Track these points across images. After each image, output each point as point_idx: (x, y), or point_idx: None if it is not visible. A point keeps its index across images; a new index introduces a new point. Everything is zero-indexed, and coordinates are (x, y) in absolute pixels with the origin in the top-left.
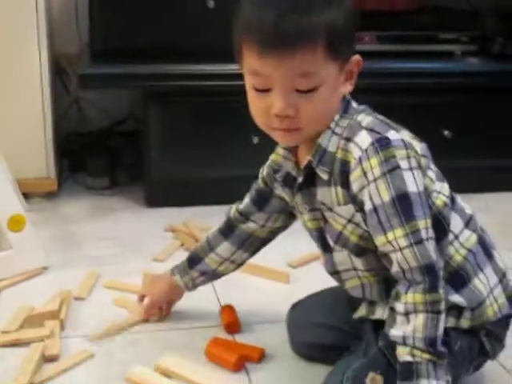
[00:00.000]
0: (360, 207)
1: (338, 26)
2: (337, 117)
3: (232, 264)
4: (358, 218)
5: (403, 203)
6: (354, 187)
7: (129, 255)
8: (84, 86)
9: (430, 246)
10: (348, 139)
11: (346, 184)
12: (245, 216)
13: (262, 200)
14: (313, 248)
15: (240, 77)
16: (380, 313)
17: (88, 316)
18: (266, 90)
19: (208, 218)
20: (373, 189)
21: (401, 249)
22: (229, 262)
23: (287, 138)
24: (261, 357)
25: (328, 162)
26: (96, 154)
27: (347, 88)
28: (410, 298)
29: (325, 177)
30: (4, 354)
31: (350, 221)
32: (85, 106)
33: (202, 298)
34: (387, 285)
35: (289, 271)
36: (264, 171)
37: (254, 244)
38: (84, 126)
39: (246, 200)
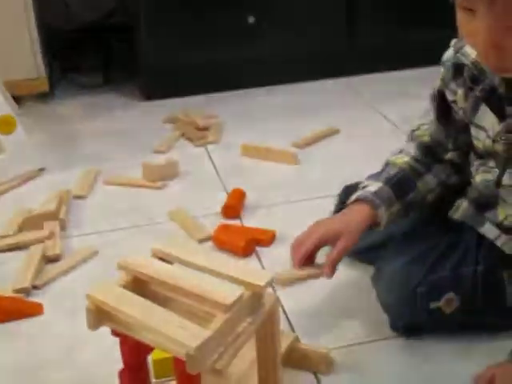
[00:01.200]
0: None
1: None
2: None
3: (438, 190)
4: None
5: None
6: None
7: (128, 150)
8: None
9: None
10: None
11: None
12: (439, 142)
13: (444, 112)
14: (317, 127)
15: None
16: (503, 240)
17: (90, 213)
18: (470, 9)
19: (207, 107)
20: None
21: None
22: (441, 186)
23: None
24: (272, 240)
25: None
26: (87, 51)
27: None
28: None
29: None
30: (4, 258)
31: None
32: (70, 1)
33: (207, 185)
34: None
35: (296, 152)
36: (444, 70)
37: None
38: (72, 21)
39: (431, 117)
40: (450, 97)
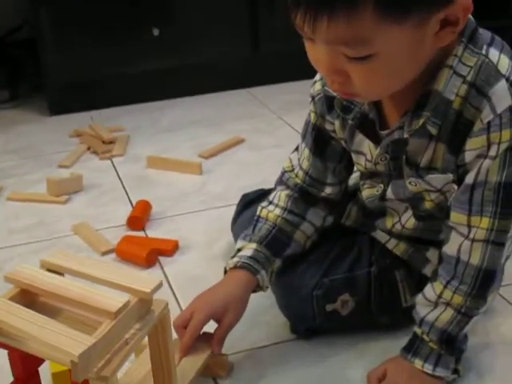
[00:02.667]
0: (460, 179)
1: None
2: (459, 49)
3: (315, 236)
4: (450, 187)
5: (508, 194)
6: (467, 156)
7: (33, 166)
8: None
9: (507, 247)
10: (477, 89)
11: (455, 147)
12: (315, 179)
13: (320, 146)
14: (223, 138)
15: None
16: (393, 244)
17: None
18: (311, 38)
19: (113, 120)
20: (485, 164)
21: (474, 240)
22: (317, 232)
23: (358, 99)
24: (174, 249)
25: (440, 113)
26: None
27: (447, 38)
28: (448, 295)
29: (433, 131)
30: None
31: (439, 190)
32: None
33: (112, 198)
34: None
35: (200, 162)
36: (316, 105)
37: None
38: None
39: (305, 153)
40: (329, 127)
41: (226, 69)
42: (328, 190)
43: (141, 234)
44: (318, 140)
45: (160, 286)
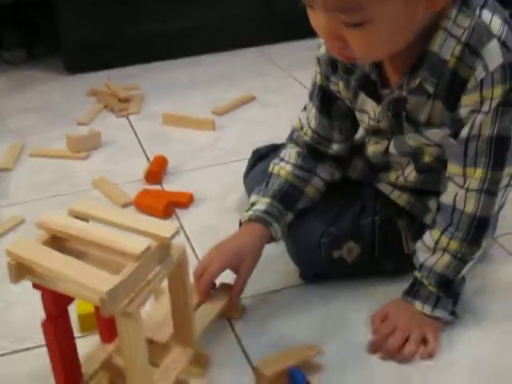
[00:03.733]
0: (456, 133)
1: None
2: (453, 12)
3: (324, 189)
4: (448, 141)
5: (499, 146)
6: (462, 112)
7: (52, 123)
8: None
9: (500, 197)
10: (471, 48)
11: (451, 103)
12: (323, 136)
13: (327, 105)
14: (235, 95)
15: None
16: (396, 195)
17: (16, 184)
18: (311, 6)
19: (129, 79)
20: (478, 119)
21: (468, 189)
22: (326, 185)
23: (358, 62)
24: (190, 201)
25: (436, 72)
26: (10, 27)
27: (439, 4)
28: (444, 241)
29: (430, 89)
30: None
31: (436, 144)
32: None
33: (129, 154)
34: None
35: (214, 119)
36: (321, 66)
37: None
38: None
39: (312, 112)
40: (334, 88)
41: (239, 27)
42: (335, 147)
43: (157, 187)
44: (324, 100)
45: (178, 231)
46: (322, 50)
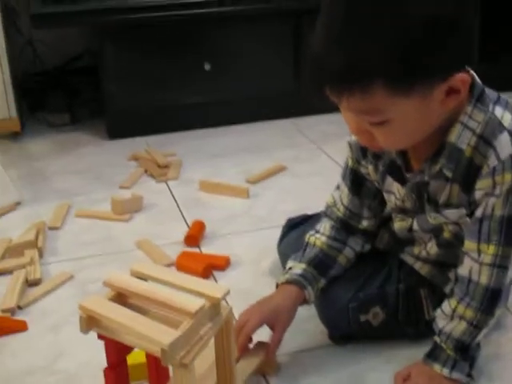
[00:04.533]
0: (472, 212)
1: (402, 52)
2: (469, 108)
3: (354, 259)
4: (464, 220)
5: (510, 225)
6: (477, 194)
7: (96, 185)
8: (36, 27)
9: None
10: (485, 140)
11: (467, 187)
12: (354, 213)
13: (357, 186)
14: (266, 165)
15: (190, 5)
16: (419, 266)
17: (64, 243)
18: (339, 105)
19: (168, 145)
20: (491, 201)
21: (482, 263)
22: (356, 256)
23: (380, 151)
24: (227, 264)
25: (454, 159)
26: (54, 92)
27: (452, 104)
28: (461, 310)
29: (449, 174)
30: None
31: (454, 222)
32: (39, 45)
33: (169, 217)
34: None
35: (248, 187)
36: (353, 151)
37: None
38: (40, 64)
39: (345, 191)
40: (364, 171)
41: (270, 100)
42: (365, 223)
43: (196, 250)
44: (355, 181)
45: (228, 292)
46: (354, 137)
